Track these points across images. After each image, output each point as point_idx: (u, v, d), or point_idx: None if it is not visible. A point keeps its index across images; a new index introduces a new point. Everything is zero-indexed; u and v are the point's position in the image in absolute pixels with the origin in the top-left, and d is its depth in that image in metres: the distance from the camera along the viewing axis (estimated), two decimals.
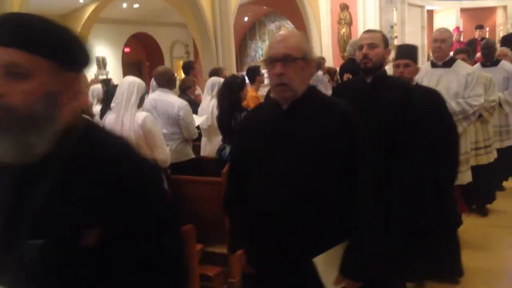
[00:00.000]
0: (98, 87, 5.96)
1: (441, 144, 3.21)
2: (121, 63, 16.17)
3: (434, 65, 4.40)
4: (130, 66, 16.84)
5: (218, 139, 4.63)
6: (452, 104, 4.03)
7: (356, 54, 3.08)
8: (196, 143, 5.16)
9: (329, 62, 10.98)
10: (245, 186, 2.05)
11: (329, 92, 5.57)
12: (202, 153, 5.13)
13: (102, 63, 15.29)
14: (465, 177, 4.24)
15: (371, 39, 2.91)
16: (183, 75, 6.71)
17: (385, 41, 2.98)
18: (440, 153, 3.17)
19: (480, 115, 4.83)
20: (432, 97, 3.39)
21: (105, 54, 15.44)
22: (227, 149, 4.16)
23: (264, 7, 16.64)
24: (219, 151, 4.33)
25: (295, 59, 1.91)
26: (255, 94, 6.13)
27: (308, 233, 1.91)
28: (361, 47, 2.94)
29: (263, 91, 6.81)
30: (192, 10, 10.58)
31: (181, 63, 17.84)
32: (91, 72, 14.12)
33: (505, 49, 6.50)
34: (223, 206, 2.29)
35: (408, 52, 3.60)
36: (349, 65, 6.38)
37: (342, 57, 11.63)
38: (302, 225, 1.91)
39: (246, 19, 17.74)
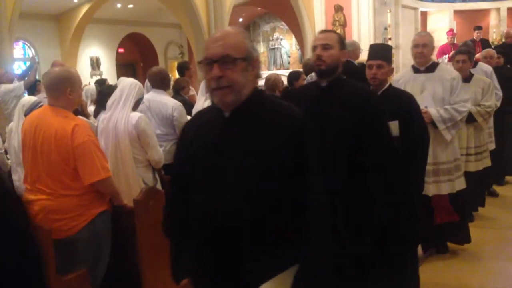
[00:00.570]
0: (92, 87, 5.95)
1: (408, 152, 3.07)
2: (115, 64, 16.12)
3: (416, 70, 4.17)
4: (124, 67, 16.80)
5: None
6: (441, 111, 3.94)
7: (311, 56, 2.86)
8: None
9: None
10: (186, 203, 1.83)
11: None
12: None
13: (96, 64, 15.25)
14: (456, 184, 4.08)
15: (325, 40, 2.70)
16: (177, 76, 6.70)
17: (341, 43, 2.77)
18: (407, 161, 3.01)
19: (474, 121, 4.74)
20: (403, 101, 3.25)
21: (99, 55, 15.40)
22: None
23: (259, 8, 16.66)
24: None
25: (234, 59, 1.69)
26: None
27: (251, 258, 1.69)
28: (314, 48, 2.74)
29: None
30: (186, 11, 10.58)
31: (176, 63, 17.87)
32: (85, 72, 14.09)
33: (491, 51, 6.40)
34: (162, 228, 2.01)
35: (381, 52, 3.42)
36: (343, 65, 6.38)
37: None
38: (244, 249, 1.69)
39: (240, 20, 17.74)
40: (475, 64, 5.60)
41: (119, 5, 14.28)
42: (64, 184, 2.88)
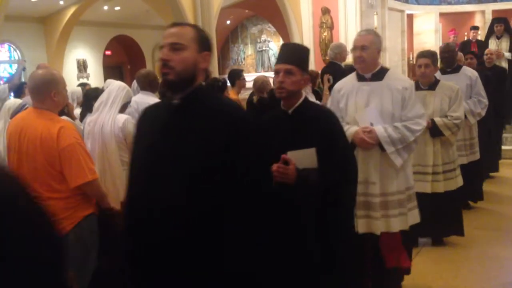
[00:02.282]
0: (78, 89, 5.91)
1: (329, 190, 2.45)
2: (102, 66, 16.02)
3: (361, 78, 3.38)
4: (111, 69, 16.70)
5: None
6: (389, 130, 3.17)
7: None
8: None
9: (311, 65, 11.03)
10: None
11: (309, 95, 5.59)
12: None
13: (82, 66, 15.14)
14: (410, 218, 3.36)
15: (177, 38, 2.05)
16: None
17: (200, 42, 2.08)
18: (328, 202, 2.45)
19: (441, 135, 4.19)
20: (322, 122, 2.53)
21: (86, 57, 15.29)
22: None
23: (246, 11, 16.67)
24: None
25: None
26: (235, 97, 6.15)
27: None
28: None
29: (244, 94, 6.82)
30: (173, 13, 10.55)
31: None
32: (72, 75, 13.99)
33: (491, 49, 6.50)
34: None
35: (292, 55, 2.57)
36: (330, 68, 6.42)
37: (323, 61, 11.69)
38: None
39: (228, 22, 17.74)
40: (458, 68, 5.27)
41: (106, 7, 14.20)
42: (50, 187, 2.86)
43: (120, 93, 3.68)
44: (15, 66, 13.88)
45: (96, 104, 3.71)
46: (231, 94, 6.21)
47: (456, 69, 5.26)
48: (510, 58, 8.32)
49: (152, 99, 4.62)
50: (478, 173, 5.49)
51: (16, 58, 13.97)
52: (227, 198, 1.69)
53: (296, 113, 2.56)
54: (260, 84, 6.31)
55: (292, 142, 2.45)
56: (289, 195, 2.32)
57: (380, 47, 3.33)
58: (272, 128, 2.56)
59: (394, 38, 12.71)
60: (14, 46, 13.84)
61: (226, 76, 6.61)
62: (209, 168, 1.68)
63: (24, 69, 7.15)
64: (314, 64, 12.24)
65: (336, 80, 5.03)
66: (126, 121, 3.60)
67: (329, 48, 6.58)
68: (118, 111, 3.64)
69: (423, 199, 3.93)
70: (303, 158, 2.39)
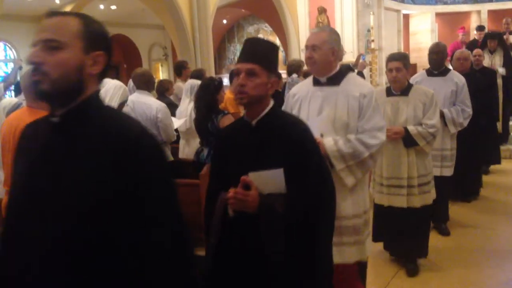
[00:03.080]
0: None
1: (300, 221, 1.95)
2: None
3: (316, 82, 2.93)
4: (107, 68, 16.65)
5: (196, 141, 4.63)
6: (340, 143, 2.72)
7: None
8: (174, 145, 5.14)
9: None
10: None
11: None
12: (180, 156, 5.12)
13: None
14: (367, 247, 2.90)
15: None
16: (161, 77, 6.69)
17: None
18: (298, 233, 1.94)
19: (416, 145, 3.75)
20: (293, 136, 2.02)
21: None
22: (205, 151, 4.16)
23: (243, 10, 16.67)
24: (197, 154, 4.32)
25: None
26: (233, 96, 6.12)
27: None
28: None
29: None
30: (170, 12, 10.54)
31: (159, 65, 17.85)
32: None
33: (466, 52, 5.89)
34: None
35: (256, 53, 2.07)
36: None
37: None
38: None
39: (224, 21, 17.73)
40: (445, 71, 4.83)
41: (102, 6, 14.17)
42: None
43: (117, 92, 3.67)
44: (10, 65, 13.84)
45: None
46: (228, 93, 6.21)
47: (443, 72, 4.83)
48: (504, 73, 7.86)
49: (148, 98, 4.62)
50: (444, 192, 4.66)
51: (12, 57, 13.93)
52: (125, 254, 1.31)
53: (261, 125, 2.07)
54: None
55: (255, 161, 2.00)
56: (246, 232, 1.96)
57: (336, 46, 2.83)
58: (231, 143, 2.14)
59: (390, 38, 12.73)
60: (9, 45, 13.80)
61: (221, 75, 6.61)
62: (94, 208, 1.29)
63: (20, 68, 7.12)
64: None
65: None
66: None
67: None
68: None
69: (390, 215, 3.91)
70: (268, 180, 1.94)
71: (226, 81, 10.25)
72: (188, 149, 5.00)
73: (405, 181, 3.78)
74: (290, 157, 1.95)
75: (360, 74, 6.52)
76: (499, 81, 7.66)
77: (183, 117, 4.96)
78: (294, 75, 6.53)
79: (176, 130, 4.93)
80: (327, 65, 2.82)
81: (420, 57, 12.61)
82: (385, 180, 3.87)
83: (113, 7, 14.41)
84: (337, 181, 2.50)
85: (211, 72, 10.44)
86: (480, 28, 10.09)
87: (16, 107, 3.99)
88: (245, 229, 1.99)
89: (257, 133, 2.06)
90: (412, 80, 4.79)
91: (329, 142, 2.71)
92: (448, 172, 4.71)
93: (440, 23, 14.25)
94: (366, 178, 2.94)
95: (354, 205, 2.80)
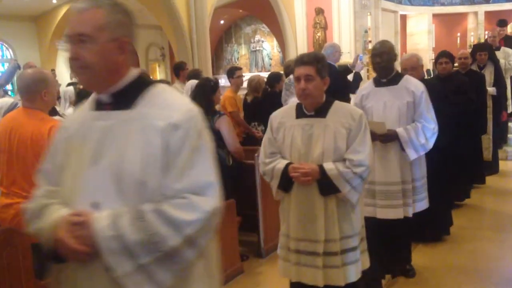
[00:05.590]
0: (70, 89, 5.89)
1: None
2: None
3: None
4: None
5: None
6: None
7: None
8: None
9: None
10: None
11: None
12: None
13: None
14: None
15: None
16: (158, 78, 6.69)
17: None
18: None
19: (336, 191, 2.63)
20: None
21: None
22: None
23: (240, 10, 16.67)
24: None
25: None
26: (232, 95, 6.13)
27: None
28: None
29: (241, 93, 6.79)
30: (167, 12, 10.54)
31: (157, 65, 17.82)
32: (65, 74, 13.93)
33: (465, 52, 5.56)
34: None
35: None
36: None
37: None
38: None
39: (222, 22, 17.73)
40: (397, 78, 3.67)
41: None
42: None
43: None
44: (7, 65, 13.83)
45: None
46: (228, 92, 6.20)
47: (394, 80, 3.65)
48: (494, 93, 6.78)
49: None
50: (407, 234, 3.86)
51: (9, 57, 13.90)
52: None
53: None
54: (255, 83, 6.31)
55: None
56: None
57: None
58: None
59: (387, 39, 12.72)
60: (6, 45, 13.77)
61: (218, 76, 6.61)
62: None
63: (19, 67, 7.08)
64: None
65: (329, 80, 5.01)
66: None
67: (323, 49, 6.59)
68: None
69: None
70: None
71: (223, 81, 10.26)
72: None
73: (321, 245, 2.60)
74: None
75: (358, 74, 6.50)
76: (489, 103, 6.72)
77: None
78: (291, 76, 6.53)
79: None
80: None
81: None
82: (293, 242, 2.72)
83: None
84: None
85: (208, 73, 10.44)
86: (501, 23, 8.91)
87: (12, 107, 3.98)
88: None
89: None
90: (358, 92, 4.00)
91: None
92: (419, 206, 3.71)
93: (437, 24, 14.29)
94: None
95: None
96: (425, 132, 3.56)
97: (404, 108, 3.59)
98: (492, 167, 6.98)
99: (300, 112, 2.73)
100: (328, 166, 2.56)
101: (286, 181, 2.67)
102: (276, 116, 2.82)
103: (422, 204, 3.72)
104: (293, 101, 5.59)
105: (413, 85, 3.63)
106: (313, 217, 2.62)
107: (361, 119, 2.62)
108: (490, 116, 6.74)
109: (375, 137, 3.39)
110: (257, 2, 13.87)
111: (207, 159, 1.53)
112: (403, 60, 4.45)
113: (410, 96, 3.59)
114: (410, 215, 3.63)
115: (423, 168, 3.73)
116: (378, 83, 3.73)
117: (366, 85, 3.94)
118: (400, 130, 3.52)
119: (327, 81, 2.66)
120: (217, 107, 4.30)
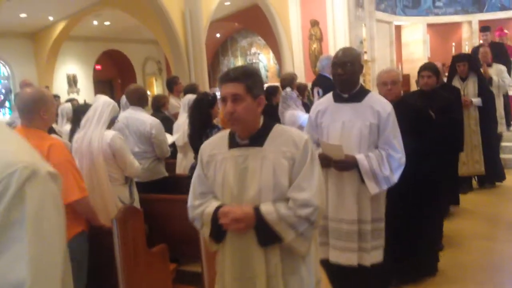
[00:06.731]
0: (67, 105, 5.91)
1: None
2: (92, 81, 16.02)
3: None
4: (101, 84, 16.71)
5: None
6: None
7: None
8: (171, 160, 5.14)
9: (301, 78, 11.10)
10: None
11: (299, 108, 5.61)
12: (177, 170, 5.12)
13: (73, 81, 15.14)
14: None
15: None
16: (155, 92, 6.72)
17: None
18: None
19: (277, 240, 2.05)
20: None
21: (76, 72, 15.30)
22: None
23: (236, 24, 16.76)
24: (191, 169, 4.32)
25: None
26: None
27: None
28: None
29: None
30: (163, 27, 10.59)
31: (154, 79, 17.88)
32: (62, 90, 13.95)
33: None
34: None
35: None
36: (319, 80, 6.48)
37: (313, 73, 11.77)
38: None
39: (218, 35, 17.82)
40: (361, 93, 3.16)
41: (95, 22, 14.23)
42: None
43: (106, 109, 3.66)
44: (5, 83, 13.85)
45: (82, 121, 3.69)
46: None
47: (357, 96, 3.14)
48: (480, 104, 6.42)
49: (142, 114, 4.63)
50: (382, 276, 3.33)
51: (6, 74, 13.94)
52: None
53: None
54: None
55: None
56: None
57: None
58: None
59: (382, 49, 12.84)
60: (3, 62, 13.81)
61: (216, 89, 6.62)
62: None
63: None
64: (304, 76, 12.32)
65: (325, 92, 5.04)
66: (114, 137, 3.59)
67: (318, 60, 6.63)
68: (106, 127, 3.63)
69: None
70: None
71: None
72: (186, 162, 5.00)
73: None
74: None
75: None
76: (474, 114, 6.42)
77: (181, 131, 4.97)
78: (288, 89, 6.57)
79: (171, 145, 4.94)
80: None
81: (413, 68, 12.68)
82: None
83: (107, 23, 14.46)
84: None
85: (205, 86, 10.47)
86: (484, 28, 8.76)
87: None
88: None
89: None
90: (314, 107, 3.44)
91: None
92: (374, 258, 3.09)
93: (431, 34, 14.39)
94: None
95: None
96: (390, 163, 3.02)
97: (366, 130, 3.04)
98: (487, 179, 6.85)
99: (232, 141, 2.19)
100: (266, 208, 2.03)
101: (218, 229, 2.12)
102: (205, 148, 2.27)
103: (377, 253, 3.11)
104: (291, 114, 5.64)
105: (379, 104, 3.08)
106: (251, 275, 2.07)
107: (306, 147, 2.10)
108: (476, 128, 6.41)
109: (329, 163, 2.97)
110: (252, 15, 13.96)
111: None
112: (382, 73, 3.96)
113: (374, 117, 3.04)
114: (367, 264, 3.05)
115: (381, 208, 3.13)
116: (338, 98, 3.21)
117: (324, 99, 3.39)
118: (360, 157, 2.96)
119: (262, 101, 2.17)
120: (216, 120, 4.31)
